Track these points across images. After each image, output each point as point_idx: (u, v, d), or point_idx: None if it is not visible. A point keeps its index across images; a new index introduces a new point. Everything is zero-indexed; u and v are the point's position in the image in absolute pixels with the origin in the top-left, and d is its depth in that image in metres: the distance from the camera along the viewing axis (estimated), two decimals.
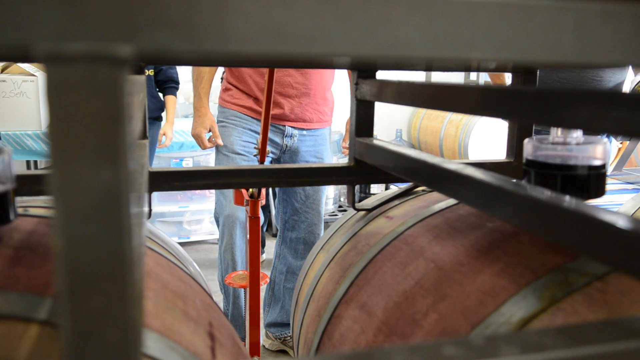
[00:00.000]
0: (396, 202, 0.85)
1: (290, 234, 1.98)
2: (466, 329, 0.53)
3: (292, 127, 1.88)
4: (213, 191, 3.21)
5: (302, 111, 1.87)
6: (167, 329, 0.48)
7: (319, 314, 0.76)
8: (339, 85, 1.91)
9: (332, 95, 1.99)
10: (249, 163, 1.86)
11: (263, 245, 3.05)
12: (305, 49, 0.27)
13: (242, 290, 1.82)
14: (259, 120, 1.85)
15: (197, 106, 1.85)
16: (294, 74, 1.80)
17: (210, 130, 1.85)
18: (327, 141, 1.99)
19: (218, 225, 1.93)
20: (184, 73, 3.97)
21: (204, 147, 1.87)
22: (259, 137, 1.53)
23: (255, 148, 1.62)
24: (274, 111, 1.83)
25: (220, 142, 1.85)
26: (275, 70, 1.75)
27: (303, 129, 1.91)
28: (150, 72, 2.78)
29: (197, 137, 1.85)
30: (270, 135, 1.87)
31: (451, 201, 0.76)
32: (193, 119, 1.86)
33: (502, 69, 1.01)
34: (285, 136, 1.89)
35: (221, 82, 2.05)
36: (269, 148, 1.88)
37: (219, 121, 1.91)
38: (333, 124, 2.06)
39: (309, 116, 1.89)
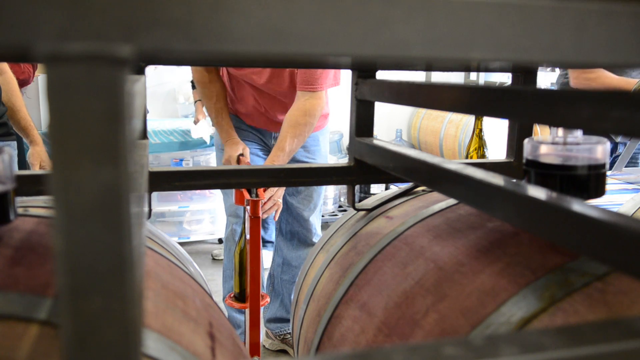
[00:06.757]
0: (396, 202, 0.85)
1: (285, 226, 2.00)
2: (466, 329, 0.53)
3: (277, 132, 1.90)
4: (213, 191, 3.21)
5: None
6: (167, 329, 0.48)
7: (319, 314, 0.76)
8: (339, 85, 1.90)
9: (327, 107, 1.97)
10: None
11: None
12: (305, 49, 0.27)
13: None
14: (250, 125, 1.87)
15: (225, 139, 1.76)
16: (279, 108, 1.79)
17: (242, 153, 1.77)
18: (318, 140, 1.99)
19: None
20: (184, 73, 3.97)
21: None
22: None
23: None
24: (260, 120, 1.83)
25: (249, 162, 1.78)
26: (265, 105, 1.76)
27: None
28: None
29: (228, 162, 1.76)
30: (260, 135, 1.90)
31: (451, 201, 0.76)
32: (224, 149, 1.75)
33: (501, 68, 1.00)
34: (273, 137, 1.90)
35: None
36: (259, 151, 1.89)
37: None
38: (333, 123, 2.05)
39: None
